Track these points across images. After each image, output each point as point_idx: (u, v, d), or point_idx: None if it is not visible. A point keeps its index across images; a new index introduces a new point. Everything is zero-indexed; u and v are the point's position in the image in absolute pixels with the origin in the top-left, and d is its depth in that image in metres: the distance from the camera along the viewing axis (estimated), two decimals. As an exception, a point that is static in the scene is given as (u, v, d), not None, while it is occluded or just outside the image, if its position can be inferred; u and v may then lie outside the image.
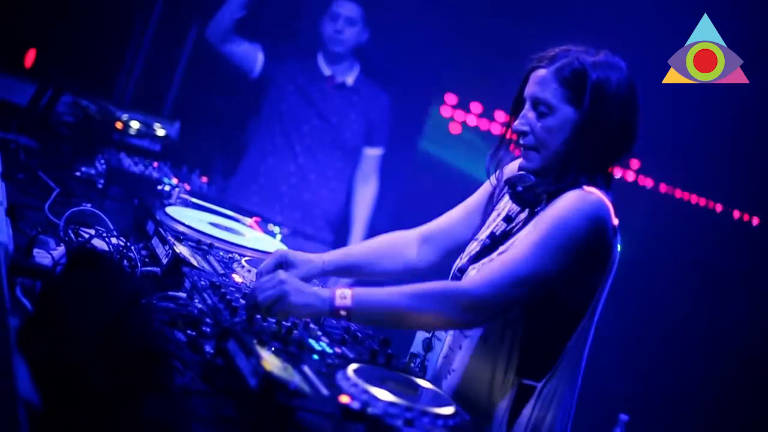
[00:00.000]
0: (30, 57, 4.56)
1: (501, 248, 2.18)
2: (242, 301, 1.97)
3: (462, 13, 5.05)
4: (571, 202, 2.06)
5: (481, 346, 2.14)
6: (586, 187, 2.10)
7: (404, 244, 2.47)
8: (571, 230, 2.04)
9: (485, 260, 2.19)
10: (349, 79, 4.52)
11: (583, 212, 2.05)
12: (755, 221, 5.45)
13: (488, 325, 2.12)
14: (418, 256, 2.47)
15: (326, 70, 4.49)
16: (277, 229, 3.01)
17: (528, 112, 2.17)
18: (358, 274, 2.44)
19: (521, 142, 2.19)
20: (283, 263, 2.20)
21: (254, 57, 4.48)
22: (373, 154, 4.60)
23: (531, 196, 2.17)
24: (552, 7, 4.90)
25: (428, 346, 2.22)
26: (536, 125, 2.14)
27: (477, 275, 2.09)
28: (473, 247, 2.30)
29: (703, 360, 5.19)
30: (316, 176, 4.47)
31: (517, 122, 2.18)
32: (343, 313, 1.93)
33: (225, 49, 4.45)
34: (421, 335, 2.28)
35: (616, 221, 2.12)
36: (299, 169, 4.46)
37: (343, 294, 1.94)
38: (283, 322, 1.87)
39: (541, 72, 2.15)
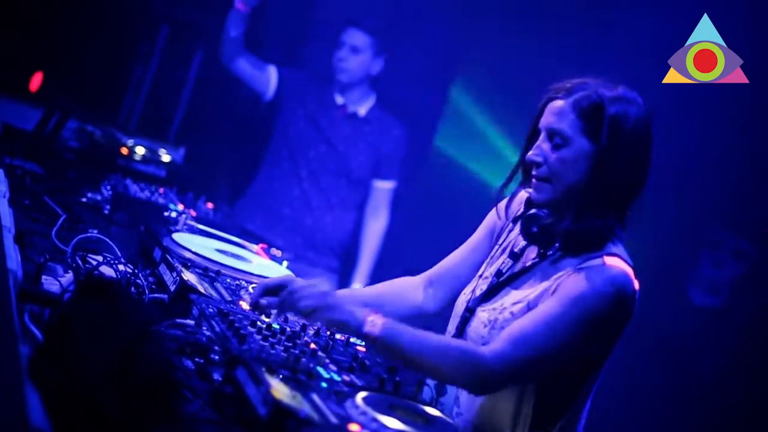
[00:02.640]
0: (36, 81, 4.59)
1: (515, 294, 2.16)
2: (251, 290, 2.01)
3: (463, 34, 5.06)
4: (596, 284, 2.02)
5: (492, 395, 2.14)
6: (608, 259, 2.06)
7: (410, 288, 2.49)
8: (596, 315, 2.01)
9: (496, 305, 2.17)
10: (362, 110, 4.49)
11: (609, 297, 2.02)
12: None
13: None
14: (424, 300, 2.48)
15: (339, 99, 4.48)
16: (280, 254, 3.01)
17: (543, 143, 2.15)
18: None
19: (534, 172, 2.16)
20: (284, 285, 2.20)
21: (266, 79, 4.47)
22: (383, 187, 4.56)
23: (545, 237, 2.15)
24: (552, 7, 4.91)
25: (440, 389, 2.21)
26: (551, 156, 2.12)
27: (499, 345, 2.02)
28: (479, 284, 2.28)
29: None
30: (318, 202, 4.46)
31: (531, 153, 2.16)
32: (370, 338, 2.00)
33: (234, 68, 4.43)
34: None
35: (637, 285, 2.09)
36: (303, 194, 4.45)
37: (374, 322, 2.00)
38: (292, 350, 1.87)
39: (559, 103, 2.13)
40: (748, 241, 4.67)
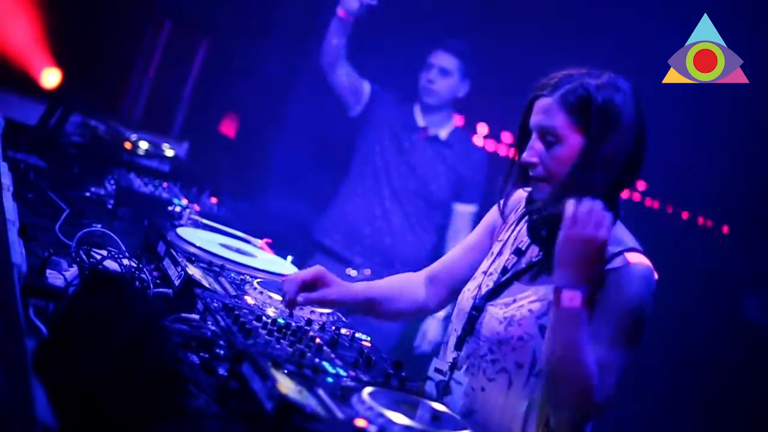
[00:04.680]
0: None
1: (526, 290, 2.15)
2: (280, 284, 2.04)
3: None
4: (642, 293, 2.04)
5: (506, 390, 2.13)
6: (630, 256, 2.05)
7: (415, 285, 2.48)
8: (646, 319, 2.06)
9: (507, 300, 2.15)
10: (443, 133, 4.48)
11: (651, 298, 2.06)
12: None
13: (514, 372, 2.11)
14: (426, 298, 2.47)
15: (420, 121, 4.48)
16: (356, 273, 2.99)
17: (535, 142, 2.13)
18: (376, 311, 2.43)
19: (531, 173, 2.15)
20: (320, 279, 2.22)
21: (360, 93, 4.47)
22: (464, 210, 4.53)
23: (553, 239, 2.13)
24: (552, 7, 4.90)
25: (446, 389, 2.19)
26: (545, 156, 2.11)
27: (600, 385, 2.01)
28: (484, 281, 2.27)
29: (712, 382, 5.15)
30: (399, 222, 4.44)
31: (525, 154, 2.14)
32: (564, 307, 1.95)
33: (333, 77, 4.42)
34: (435, 374, 2.24)
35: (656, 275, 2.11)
36: (384, 214, 4.43)
37: (574, 296, 1.95)
38: (297, 345, 1.87)
39: (546, 101, 2.11)
40: None
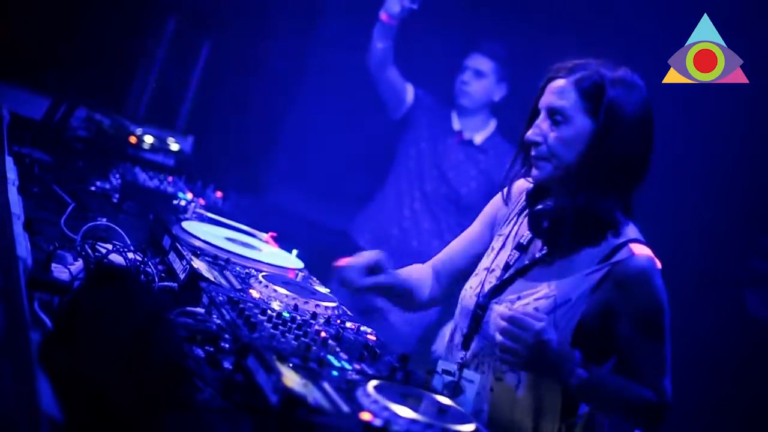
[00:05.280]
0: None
1: (531, 287, 2.16)
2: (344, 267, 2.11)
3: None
4: (654, 289, 2.09)
5: (515, 389, 2.13)
6: (634, 247, 2.09)
7: (428, 277, 2.52)
8: (666, 309, 2.12)
9: (512, 297, 2.16)
10: (478, 137, 4.47)
11: (663, 289, 2.11)
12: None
13: (524, 373, 2.11)
14: (435, 289, 2.49)
15: (456, 125, 4.48)
16: None
17: (542, 122, 2.14)
18: (408, 300, 2.45)
19: (533, 152, 2.15)
20: (379, 264, 2.27)
21: (404, 96, 4.48)
22: None
23: (554, 230, 2.13)
24: (552, 7, 4.88)
25: (457, 389, 2.20)
26: (549, 135, 2.12)
27: (660, 387, 2.12)
28: (487, 278, 2.26)
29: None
30: (428, 226, 4.44)
31: (530, 132, 2.15)
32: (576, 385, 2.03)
33: (379, 79, 4.44)
34: (444, 376, 2.24)
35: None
36: (413, 215, 4.43)
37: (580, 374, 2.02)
38: (302, 339, 1.87)
39: (560, 82, 2.13)
40: None
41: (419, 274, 2.51)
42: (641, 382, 2.07)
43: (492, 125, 4.50)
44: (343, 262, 2.22)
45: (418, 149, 4.46)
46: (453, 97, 4.49)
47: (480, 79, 4.38)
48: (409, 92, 4.50)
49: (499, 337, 1.98)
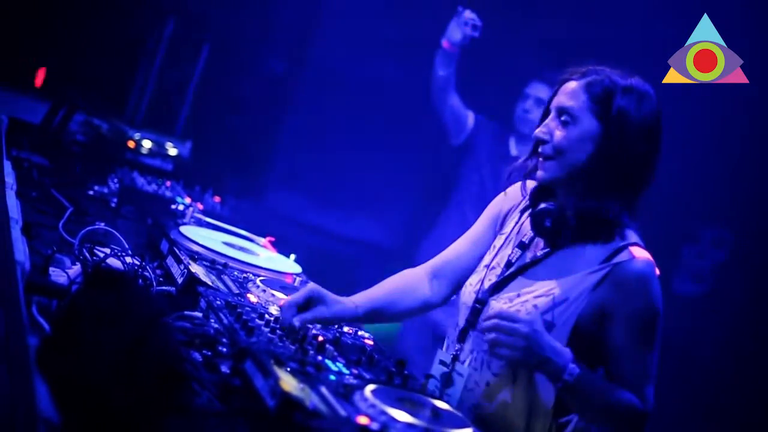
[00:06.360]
0: (40, 76, 4.58)
1: (531, 284, 2.16)
2: (275, 311, 1.97)
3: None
4: (651, 293, 2.09)
5: (511, 385, 2.13)
6: (634, 250, 2.10)
7: (417, 281, 2.44)
8: (660, 317, 2.11)
9: (511, 295, 2.16)
10: None
11: (659, 297, 2.11)
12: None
13: (519, 367, 2.12)
14: (431, 292, 2.44)
15: (514, 150, 4.50)
16: None
17: (551, 121, 2.18)
18: (381, 318, 2.39)
19: (539, 150, 2.19)
20: (313, 298, 2.13)
21: (465, 123, 4.52)
22: None
23: (556, 230, 2.15)
24: (552, 7, 4.88)
25: (448, 380, 2.19)
26: (556, 134, 2.14)
27: (643, 393, 2.10)
28: (487, 275, 2.27)
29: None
30: None
31: (538, 129, 2.20)
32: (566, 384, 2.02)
33: (441, 106, 4.48)
34: (439, 366, 2.25)
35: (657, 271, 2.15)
36: None
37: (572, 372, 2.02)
38: (300, 343, 1.87)
39: (572, 84, 2.17)
40: (727, 229, 4.85)
41: (401, 282, 2.45)
42: (626, 387, 2.08)
43: None
44: (282, 302, 2.17)
45: (480, 175, 4.51)
46: (512, 123, 4.53)
47: (541, 107, 4.40)
48: (470, 119, 4.56)
49: (491, 334, 1.99)
